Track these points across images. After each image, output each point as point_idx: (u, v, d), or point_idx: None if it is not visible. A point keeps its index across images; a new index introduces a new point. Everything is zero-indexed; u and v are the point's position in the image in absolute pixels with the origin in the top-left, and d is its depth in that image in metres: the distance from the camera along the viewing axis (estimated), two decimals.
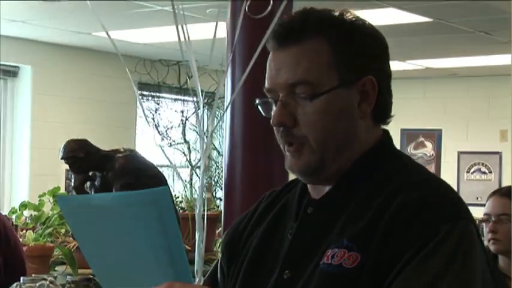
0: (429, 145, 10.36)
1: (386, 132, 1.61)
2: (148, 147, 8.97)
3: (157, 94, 8.98)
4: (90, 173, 4.52)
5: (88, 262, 1.49)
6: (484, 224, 3.34)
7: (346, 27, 1.53)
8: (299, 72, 1.50)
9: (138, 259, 1.40)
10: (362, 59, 1.52)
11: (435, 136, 10.31)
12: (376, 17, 6.61)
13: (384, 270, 1.38)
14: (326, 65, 1.50)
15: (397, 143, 9.87)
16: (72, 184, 4.53)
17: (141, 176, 4.24)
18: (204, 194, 1.58)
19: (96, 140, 8.62)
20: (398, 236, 1.39)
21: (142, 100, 8.78)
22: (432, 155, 10.33)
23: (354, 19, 1.55)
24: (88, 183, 4.54)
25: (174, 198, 7.12)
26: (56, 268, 5.07)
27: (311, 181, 1.57)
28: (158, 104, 9.01)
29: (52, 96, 8.03)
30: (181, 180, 8.03)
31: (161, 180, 4.43)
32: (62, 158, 4.47)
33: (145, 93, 8.83)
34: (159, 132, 8.85)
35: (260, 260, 1.58)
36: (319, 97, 1.49)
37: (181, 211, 6.85)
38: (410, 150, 10.41)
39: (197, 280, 1.51)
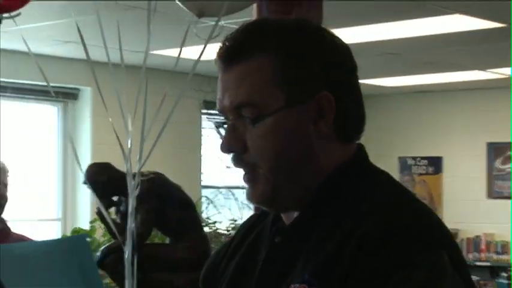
0: None
1: (361, 147, 1.50)
2: (214, 168, 8.81)
3: None
4: (116, 198, 4.36)
5: None
6: None
7: (294, 40, 1.43)
8: (241, 93, 1.41)
9: None
10: (314, 74, 1.42)
11: None
12: (443, 25, 6.28)
13: None
14: (270, 85, 1.40)
15: (483, 157, 9.63)
16: (96, 210, 4.37)
17: (166, 200, 4.06)
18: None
19: (160, 161, 8.48)
20: (360, 269, 1.30)
21: (208, 119, 8.61)
22: None
23: (305, 31, 1.45)
24: (114, 209, 4.39)
25: (233, 221, 6.93)
26: None
27: (274, 210, 1.49)
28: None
29: (113, 118, 7.88)
30: (237, 202, 7.85)
31: (186, 205, 4.24)
32: (84, 183, 4.30)
33: (212, 112, 8.65)
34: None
35: None
36: (262, 120, 1.39)
37: None
38: (497, 165, 9.90)
39: None
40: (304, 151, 1.42)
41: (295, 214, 1.46)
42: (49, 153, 8.09)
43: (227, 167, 8.71)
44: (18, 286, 1.41)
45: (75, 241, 1.31)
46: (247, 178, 1.44)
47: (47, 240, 1.38)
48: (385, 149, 10.63)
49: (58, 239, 1.33)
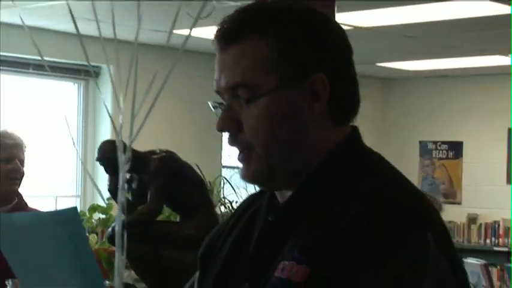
0: None
1: (355, 130, 1.51)
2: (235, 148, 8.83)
3: None
4: (128, 176, 4.40)
5: (18, 280, 1.52)
6: None
7: (290, 22, 1.44)
8: (237, 74, 1.43)
9: (56, 281, 1.40)
10: (308, 56, 1.44)
11: None
12: (465, 9, 6.25)
13: (333, 285, 1.32)
14: (265, 65, 1.42)
15: (503, 143, 9.58)
16: (108, 187, 4.41)
17: (177, 179, 4.09)
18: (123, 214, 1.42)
19: (182, 140, 8.53)
20: (347, 250, 1.32)
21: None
22: None
23: (301, 12, 1.46)
24: (125, 186, 4.43)
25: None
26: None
27: (267, 188, 1.52)
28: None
29: (129, 97, 7.91)
30: None
31: (197, 183, 4.27)
32: (96, 160, 4.34)
33: None
34: None
35: (229, 270, 1.53)
36: (256, 101, 1.42)
37: None
38: None
39: None
40: (298, 132, 1.44)
41: (289, 193, 1.48)
42: (70, 130, 8.15)
43: None
44: (15, 254, 1.45)
45: (67, 213, 1.34)
46: (242, 157, 1.46)
47: (42, 212, 1.41)
48: (406, 133, 10.61)
49: (51, 211, 1.36)
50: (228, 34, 1.44)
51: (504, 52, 8.37)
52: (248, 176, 1.47)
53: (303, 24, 1.45)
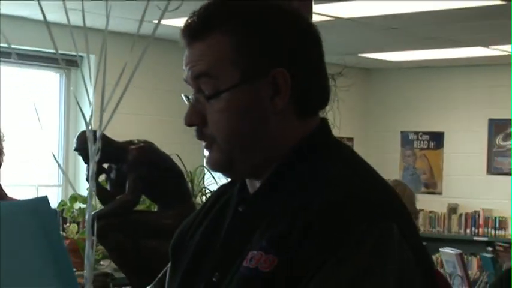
0: None
1: (324, 122, 1.54)
2: None
3: None
4: (106, 166, 4.40)
5: None
6: None
7: (252, 18, 1.47)
8: (200, 67, 1.46)
9: (25, 271, 1.39)
10: (270, 51, 1.46)
11: None
12: (446, 1, 6.27)
13: (298, 276, 1.34)
14: (228, 60, 1.45)
15: (484, 134, 9.63)
16: (85, 176, 4.41)
17: (155, 169, 4.11)
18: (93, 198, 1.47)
19: (163, 131, 8.53)
20: (310, 240, 1.35)
21: None
22: None
23: (263, 7, 1.48)
24: (104, 176, 4.44)
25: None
26: (101, 262, 4.97)
27: (230, 177, 1.57)
28: None
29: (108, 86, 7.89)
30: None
31: (175, 173, 4.29)
32: (74, 150, 4.35)
33: None
34: None
35: (199, 260, 1.54)
36: (219, 96, 1.45)
37: None
38: (498, 141, 9.91)
39: None
40: (259, 126, 1.47)
41: (259, 184, 1.51)
42: (51, 119, 8.13)
43: None
44: None
45: (38, 202, 1.35)
46: (205, 146, 1.50)
47: (12, 201, 1.40)
48: (388, 124, 10.66)
49: (22, 200, 1.38)
50: (193, 30, 1.47)
51: (484, 43, 8.41)
52: (209, 164, 1.51)
53: (265, 20, 1.47)
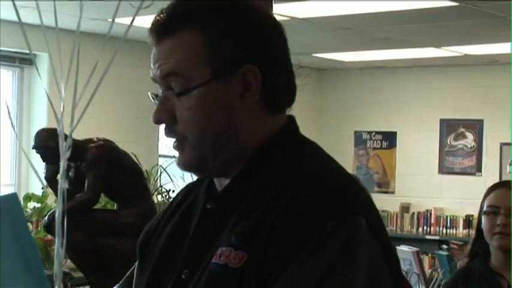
0: (470, 136, 9.96)
1: (291, 119, 1.55)
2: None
3: None
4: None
5: None
6: (485, 217, 3.18)
7: (220, 16, 1.48)
8: (169, 65, 1.46)
9: None
10: (239, 48, 1.47)
11: (476, 127, 9.91)
12: (398, 2, 6.34)
13: (267, 271, 1.34)
14: (197, 58, 1.45)
15: (436, 134, 9.75)
16: (44, 175, 4.38)
17: (114, 167, 4.09)
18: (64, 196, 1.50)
19: (118, 129, 8.47)
20: (280, 234, 1.35)
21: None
22: (473, 146, 9.94)
23: (232, 5, 1.50)
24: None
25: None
26: None
27: (201, 176, 1.56)
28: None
29: (70, 86, 7.83)
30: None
31: (134, 172, 4.28)
32: (33, 148, 4.32)
33: None
34: None
35: (166, 259, 1.54)
36: (189, 93, 1.44)
37: None
38: (450, 141, 10.06)
39: (56, 285, 1.46)
40: (230, 123, 1.47)
41: (227, 181, 1.52)
42: (4, 118, 8.04)
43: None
44: None
45: (7, 199, 1.34)
46: (176, 146, 1.49)
47: None
48: (342, 123, 10.73)
49: None
50: (161, 27, 1.47)
51: (437, 44, 8.51)
52: (181, 163, 1.51)
53: (234, 17, 1.48)
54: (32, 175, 7.99)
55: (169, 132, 1.49)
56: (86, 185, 3.89)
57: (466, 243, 4.76)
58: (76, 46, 1.39)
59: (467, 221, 9.75)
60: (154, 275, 1.55)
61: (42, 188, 5.74)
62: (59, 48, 1.50)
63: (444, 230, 9.90)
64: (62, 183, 1.38)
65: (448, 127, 10.06)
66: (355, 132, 10.70)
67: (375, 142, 10.58)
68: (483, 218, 3.17)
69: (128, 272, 1.70)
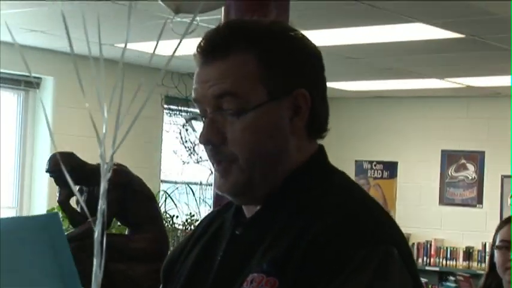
0: (471, 168, 9.97)
1: (321, 147, 1.56)
2: (175, 163, 8.83)
3: (185, 109, 8.76)
4: (77, 188, 4.38)
5: None
6: (497, 251, 3.16)
7: (275, 39, 1.48)
8: (225, 85, 1.44)
9: (35, 285, 1.39)
10: (293, 71, 1.47)
11: (477, 158, 9.92)
12: (404, 33, 6.39)
13: None
14: (254, 79, 1.44)
15: (437, 164, 9.75)
16: (57, 198, 4.38)
17: (128, 192, 4.09)
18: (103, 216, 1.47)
19: (121, 155, 8.43)
20: (313, 262, 1.34)
21: (169, 114, 8.60)
22: (474, 178, 9.95)
23: (283, 30, 1.50)
24: (75, 198, 4.42)
25: (189, 218, 7.00)
26: None
27: (240, 201, 1.53)
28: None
29: (74, 109, 7.86)
30: (195, 197, 7.89)
31: (146, 196, 4.28)
32: (46, 171, 4.33)
33: (172, 107, 8.63)
34: (186, 148, 8.65)
35: (192, 284, 1.53)
36: (246, 113, 1.44)
37: None
38: (451, 172, 10.06)
39: None
40: (280, 146, 1.47)
41: (257, 208, 1.51)
42: (7, 141, 8.05)
43: (184, 162, 8.74)
44: None
45: (48, 218, 1.35)
46: (222, 168, 1.47)
47: (19, 217, 1.36)
48: (343, 152, 10.71)
49: (30, 216, 1.36)
50: (215, 48, 1.46)
51: (440, 75, 8.55)
52: (226, 187, 1.48)
53: (286, 41, 1.49)
54: (35, 198, 7.98)
55: (216, 154, 1.48)
56: (98, 209, 3.89)
57: (472, 276, 4.76)
58: (120, 69, 1.39)
59: (468, 253, 9.74)
60: None
61: (47, 211, 5.73)
62: (99, 73, 1.51)
63: (444, 262, 9.87)
64: (102, 204, 1.38)
65: (450, 158, 10.07)
66: (356, 161, 10.70)
67: (375, 172, 10.58)
68: (496, 252, 3.17)
69: None
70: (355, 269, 1.33)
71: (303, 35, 1.53)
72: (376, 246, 1.36)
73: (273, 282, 1.37)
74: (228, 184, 1.48)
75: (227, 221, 1.57)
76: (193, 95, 1.51)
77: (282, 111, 1.46)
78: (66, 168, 3.96)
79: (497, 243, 3.17)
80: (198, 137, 1.49)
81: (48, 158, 4.22)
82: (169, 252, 1.69)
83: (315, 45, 1.54)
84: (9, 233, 1.38)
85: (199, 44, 1.49)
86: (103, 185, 1.41)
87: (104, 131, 1.41)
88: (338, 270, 1.33)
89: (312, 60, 1.52)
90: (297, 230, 1.40)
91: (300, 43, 1.51)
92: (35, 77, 7.87)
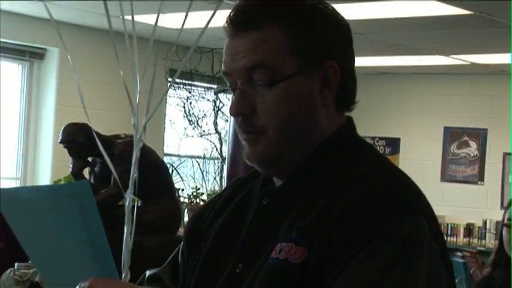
0: (473, 145, 9.98)
1: (350, 119, 1.57)
2: (178, 137, 8.82)
3: (190, 82, 8.74)
4: (90, 159, 4.38)
5: (27, 254, 1.51)
6: (505, 229, 3.21)
7: (306, 11, 1.49)
8: (256, 57, 1.45)
9: (65, 253, 1.41)
10: (323, 43, 1.48)
11: (480, 136, 9.92)
12: (412, 9, 6.36)
13: (329, 266, 1.35)
14: (285, 51, 1.45)
15: (439, 142, 9.76)
16: (71, 170, 4.38)
17: (141, 163, 4.07)
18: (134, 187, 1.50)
19: (124, 127, 8.43)
20: (342, 231, 1.35)
21: (173, 88, 8.57)
22: (476, 155, 9.95)
23: (313, 3, 1.51)
24: (88, 169, 4.42)
25: (195, 191, 7.00)
26: None
27: (268, 172, 1.54)
28: (190, 92, 8.77)
29: (79, 81, 7.81)
30: (201, 171, 7.89)
31: (161, 168, 4.28)
32: (60, 142, 4.31)
33: (177, 80, 8.60)
34: (190, 121, 8.64)
35: (218, 251, 1.55)
36: (277, 84, 1.44)
37: (201, 203, 6.71)
38: (453, 149, 10.07)
39: (124, 275, 1.46)
40: (310, 117, 1.48)
41: (284, 179, 1.52)
42: (11, 111, 8.03)
43: (187, 136, 8.73)
44: (23, 228, 1.45)
45: (78, 186, 1.36)
46: (252, 138, 1.48)
47: (48, 185, 1.35)
48: None
49: (60, 184, 1.37)
50: (246, 19, 1.47)
51: (445, 52, 8.53)
52: (255, 156, 1.50)
53: (317, 14, 1.50)
54: (39, 169, 7.98)
55: (245, 125, 1.49)
56: (112, 180, 3.89)
57: (478, 252, 4.78)
58: (152, 41, 1.39)
59: (468, 230, 9.77)
60: (207, 266, 1.56)
61: (54, 182, 5.73)
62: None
63: (445, 238, 9.88)
64: (134, 172, 1.39)
65: (452, 135, 10.07)
66: None
67: (378, 148, 10.58)
68: (504, 229, 3.20)
69: (171, 256, 1.71)
70: (383, 239, 1.34)
71: (333, 8, 1.54)
72: (405, 216, 1.37)
73: (302, 252, 1.38)
74: (256, 154, 1.49)
75: (255, 190, 1.58)
76: (223, 67, 1.51)
77: (311, 83, 1.48)
78: (79, 138, 3.96)
79: (505, 221, 3.19)
80: (229, 108, 1.50)
81: (62, 128, 4.20)
82: (192, 215, 1.70)
83: (344, 19, 1.55)
84: (41, 201, 1.38)
85: (229, 15, 1.50)
86: (135, 154, 1.42)
87: (137, 101, 1.42)
88: (368, 238, 1.34)
89: (341, 33, 1.53)
90: (326, 200, 1.41)
91: (330, 16, 1.53)
92: (39, 48, 7.84)
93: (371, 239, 1.34)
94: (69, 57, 6.93)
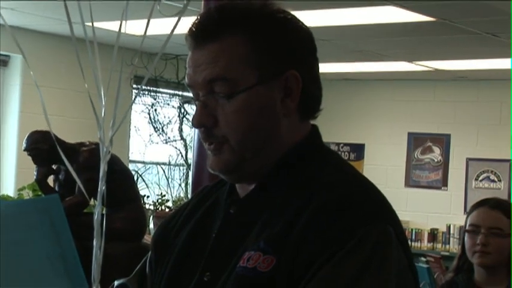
0: (437, 150, 10.06)
1: (315, 127, 1.58)
2: (143, 144, 8.80)
3: (155, 89, 8.72)
4: (55, 167, 4.36)
5: None
6: (467, 235, 3.22)
7: (265, 21, 1.49)
8: (217, 69, 1.46)
9: (36, 269, 1.41)
10: (283, 53, 1.49)
11: (443, 141, 10.01)
12: (375, 15, 6.40)
13: (299, 274, 1.35)
14: (245, 62, 1.47)
15: (403, 147, 9.83)
16: (35, 177, 4.35)
17: (107, 172, 4.05)
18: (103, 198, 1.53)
19: (87, 134, 8.40)
20: (313, 239, 1.36)
21: (139, 95, 8.55)
22: (440, 160, 10.04)
23: (273, 12, 1.51)
24: (52, 177, 4.39)
25: (160, 198, 6.99)
26: None
27: (232, 180, 1.55)
28: (155, 99, 8.75)
29: (42, 88, 7.77)
30: (166, 178, 7.90)
31: (126, 175, 4.27)
32: (24, 150, 4.29)
33: (141, 87, 8.56)
34: (154, 128, 8.62)
35: (185, 260, 1.55)
36: (237, 96, 1.46)
37: (167, 210, 6.70)
38: (417, 155, 10.14)
39: (94, 287, 1.47)
40: (271, 126, 1.49)
41: (251, 187, 1.53)
42: None
43: (152, 142, 8.71)
44: None
45: (48, 201, 1.35)
46: (215, 148, 1.50)
47: (19, 200, 1.36)
48: None
49: (30, 199, 1.37)
50: (206, 32, 1.48)
51: (409, 58, 8.59)
52: (218, 165, 1.51)
53: (276, 22, 1.51)
54: (3, 177, 7.90)
55: (208, 136, 1.51)
56: (76, 188, 3.87)
57: (443, 257, 4.82)
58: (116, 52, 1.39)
59: (432, 235, 9.85)
60: (175, 276, 1.56)
61: (18, 190, 5.68)
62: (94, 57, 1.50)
63: (409, 243, 9.95)
64: (101, 186, 1.39)
65: (416, 141, 10.15)
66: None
67: (342, 154, 10.62)
68: (466, 236, 3.24)
69: (138, 266, 1.71)
70: (353, 247, 1.35)
71: (294, 16, 1.54)
72: (373, 224, 1.39)
73: (270, 260, 1.39)
74: (220, 163, 1.50)
75: (221, 199, 1.59)
76: (186, 79, 1.52)
77: (272, 93, 1.48)
78: (43, 146, 3.94)
79: (467, 227, 3.23)
80: (191, 120, 1.52)
81: (26, 136, 4.18)
82: (159, 225, 1.70)
83: (306, 26, 1.55)
84: (10, 217, 1.38)
85: (191, 27, 1.51)
86: (102, 168, 1.42)
87: (102, 114, 1.41)
88: (337, 247, 1.35)
89: (302, 41, 1.54)
90: (294, 209, 1.42)
91: (291, 24, 1.53)
92: (3, 55, 7.78)
93: (340, 247, 1.35)
94: (27, 62, 6.94)
